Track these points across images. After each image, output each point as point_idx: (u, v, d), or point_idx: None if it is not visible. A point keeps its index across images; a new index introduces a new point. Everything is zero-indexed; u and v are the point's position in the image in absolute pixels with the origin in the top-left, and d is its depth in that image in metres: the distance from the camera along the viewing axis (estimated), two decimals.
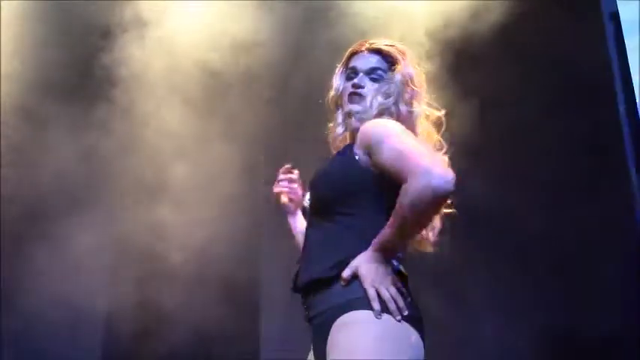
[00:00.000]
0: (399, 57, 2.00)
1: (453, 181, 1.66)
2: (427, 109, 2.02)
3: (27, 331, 3.90)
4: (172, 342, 3.94)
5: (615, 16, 3.16)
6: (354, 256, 1.79)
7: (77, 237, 3.93)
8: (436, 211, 1.77)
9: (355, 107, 1.99)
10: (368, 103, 1.97)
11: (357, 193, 1.85)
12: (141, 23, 4.05)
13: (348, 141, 2.04)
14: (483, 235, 3.54)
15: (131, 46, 4.04)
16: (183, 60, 4.02)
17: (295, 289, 1.94)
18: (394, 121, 1.90)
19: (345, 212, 1.85)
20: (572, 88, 3.35)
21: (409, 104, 1.98)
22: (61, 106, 4.08)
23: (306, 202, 2.06)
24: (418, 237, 1.97)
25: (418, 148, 1.74)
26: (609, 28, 3.18)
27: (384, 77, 1.99)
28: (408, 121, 1.96)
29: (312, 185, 1.95)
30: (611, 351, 3.21)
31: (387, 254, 1.78)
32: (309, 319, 1.87)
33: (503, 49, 3.55)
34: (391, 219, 1.74)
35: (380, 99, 1.97)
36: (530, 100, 3.50)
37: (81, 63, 4.18)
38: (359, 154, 1.86)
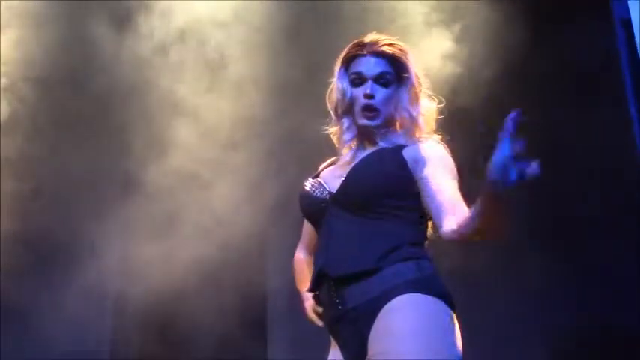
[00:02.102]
0: (404, 59, 2.02)
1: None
2: (430, 103, 2.06)
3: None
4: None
5: (627, 23, 3.32)
6: (397, 248, 1.84)
7: None
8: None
9: (368, 121, 2.01)
10: (382, 114, 2.00)
11: (401, 193, 1.91)
12: (149, 19, 4.00)
13: (356, 143, 2.05)
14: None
15: (141, 44, 3.98)
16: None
17: (315, 287, 1.94)
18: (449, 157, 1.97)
19: (382, 210, 1.89)
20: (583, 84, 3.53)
21: (418, 103, 2.03)
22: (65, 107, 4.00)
23: (321, 193, 2.00)
24: None
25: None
26: (620, 34, 3.33)
27: (393, 82, 2.01)
28: (417, 118, 2.02)
29: (356, 177, 1.95)
30: None
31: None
32: (343, 313, 1.85)
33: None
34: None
35: (393, 106, 2.01)
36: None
37: (85, 64, 4.08)
38: (409, 161, 1.93)
